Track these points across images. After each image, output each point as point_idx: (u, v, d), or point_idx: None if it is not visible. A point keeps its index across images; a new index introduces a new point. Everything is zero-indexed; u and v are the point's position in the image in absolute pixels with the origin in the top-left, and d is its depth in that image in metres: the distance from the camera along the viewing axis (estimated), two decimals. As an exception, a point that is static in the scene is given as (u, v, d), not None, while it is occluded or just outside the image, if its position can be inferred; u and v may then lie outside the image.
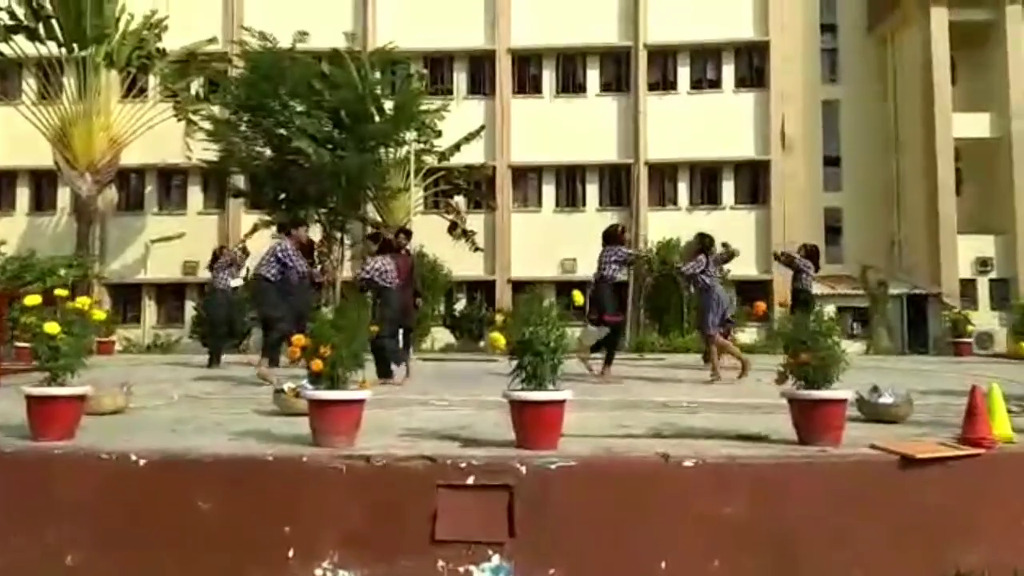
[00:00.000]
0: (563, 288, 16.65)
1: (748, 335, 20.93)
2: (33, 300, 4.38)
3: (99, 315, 4.46)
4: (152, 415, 5.74)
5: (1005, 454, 4.25)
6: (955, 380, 8.78)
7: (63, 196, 25.11)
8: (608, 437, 4.68)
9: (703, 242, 9.52)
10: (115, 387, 5.91)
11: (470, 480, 3.79)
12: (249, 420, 5.36)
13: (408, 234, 10.54)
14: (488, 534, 3.71)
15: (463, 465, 3.83)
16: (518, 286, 23.51)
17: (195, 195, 26.48)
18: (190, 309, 24.21)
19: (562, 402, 4.15)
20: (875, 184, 27.01)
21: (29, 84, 23.21)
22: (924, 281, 24.72)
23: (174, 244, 24.69)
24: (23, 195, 26.81)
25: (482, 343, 20.52)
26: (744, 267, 22.59)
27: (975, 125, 24.65)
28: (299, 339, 4.10)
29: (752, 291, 22.37)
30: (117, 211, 26.29)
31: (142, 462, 3.99)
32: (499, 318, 4.17)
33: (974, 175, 25.64)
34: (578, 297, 4.37)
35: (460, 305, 23.62)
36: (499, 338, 4.06)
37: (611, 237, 9.18)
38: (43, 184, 26.10)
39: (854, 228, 27.33)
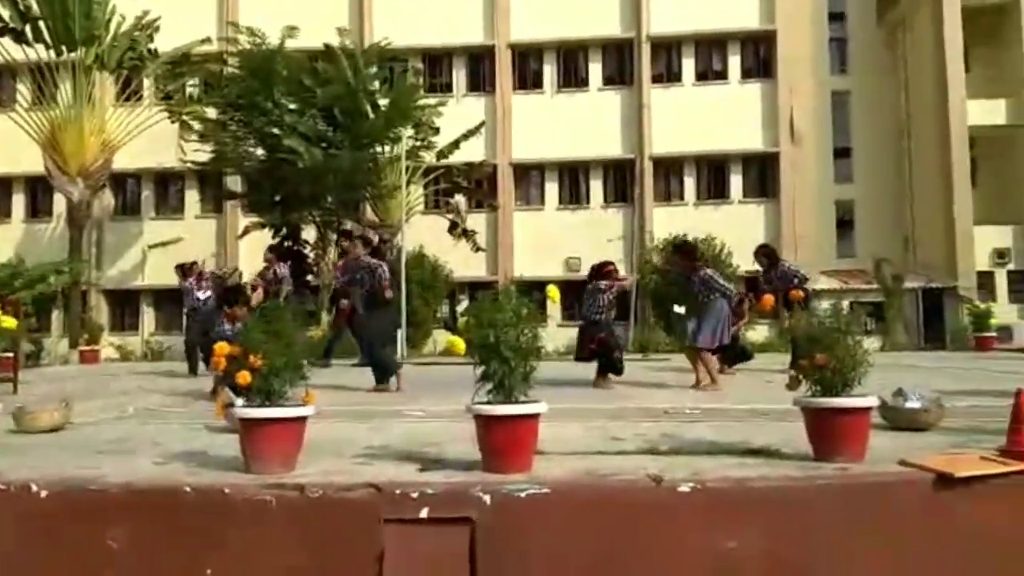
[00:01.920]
0: (568, 287, 16.00)
1: (759, 332, 20.21)
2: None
3: (8, 323, 3.89)
4: (92, 432, 5.17)
5: (1060, 470, 3.60)
6: (983, 378, 8.13)
7: (59, 202, 24.68)
8: (594, 454, 4.07)
9: (690, 249, 8.39)
10: (54, 402, 5.36)
11: (423, 513, 3.18)
12: (194, 438, 4.78)
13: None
14: (445, 578, 3.11)
15: (415, 495, 3.22)
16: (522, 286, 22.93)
17: (192, 199, 26.07)
18: (188, 315, 23.76)
19: (535, 416, 3.54)
20: (887, 175, 26.25)
21: (21, 91, 22.85)
22: (939, 274, 23.94)
23: (171, 249, 24.27)
24: (19, 202, 26.49)
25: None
26: (752, 263, 21.89)
27: (990, 112, 23.86)
28: (222, 347, 3.50)
29: (761, 289, 21.64)
30: (113, 216, 25.97)
31: (44, 493, 3.41)
32: (462, 320, 3.55)
33: (990, 164, 24.85)
34: (554, 293, 3.75)
35: (462, 307, 23.03)
36: (457, 342, 3.45)
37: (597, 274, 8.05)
38: (39, 191, 25.73)
39: (866, 221, 26.58)
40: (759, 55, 24.82)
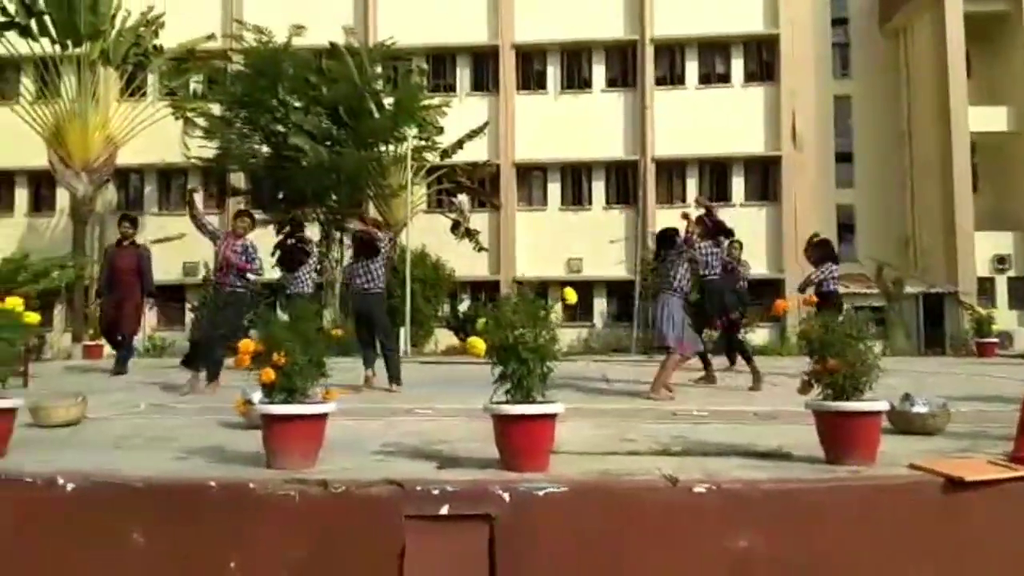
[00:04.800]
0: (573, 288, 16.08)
1: (760, 335, 20.31)
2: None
3: (32, 317, 3.94)
4: (107, 427, 5.22)
5: (1067, 475, 3.67)
6: (986, 384, 8.19)
7: (62, 197, 24.68)
8: (608, 455, 4.13)
9: (666, 234, 7.61)
10: (69, 397, 5.41)
11: (444, 510, 3.24)
12: (210, 434, 4.84)
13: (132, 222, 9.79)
14: (466, 574, 3.16)
15: (436, 492, 3.28)
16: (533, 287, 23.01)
17: (196, 195, 26.06)
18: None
19: (553, 416, 3.60)
20: (888, 180, 26.35)
21: (26, 84, 22.84)
22: (940, 279, 24.02)
23: (174, 245, 24.27)
24: (22, 196, 26.49)
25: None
26: (755, 266, 21.96)
27: (991, 119, 23.96)
28: (247, 344, 3.55)
29: (763, 292, 21.71)
30: (116, 211, 25.99)
31: (70, 487, 3.46)
32: (480, 321, 3.61)
33: (991, 170, 24.96)
34: (571, 295, 3.81)
35: (464, 306, 23.09)
36: (477, 343, 3.51)
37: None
38: (42, 185, 25.74)
39: (867, 225, 26.68)
40: (762, 59, 24.87)
